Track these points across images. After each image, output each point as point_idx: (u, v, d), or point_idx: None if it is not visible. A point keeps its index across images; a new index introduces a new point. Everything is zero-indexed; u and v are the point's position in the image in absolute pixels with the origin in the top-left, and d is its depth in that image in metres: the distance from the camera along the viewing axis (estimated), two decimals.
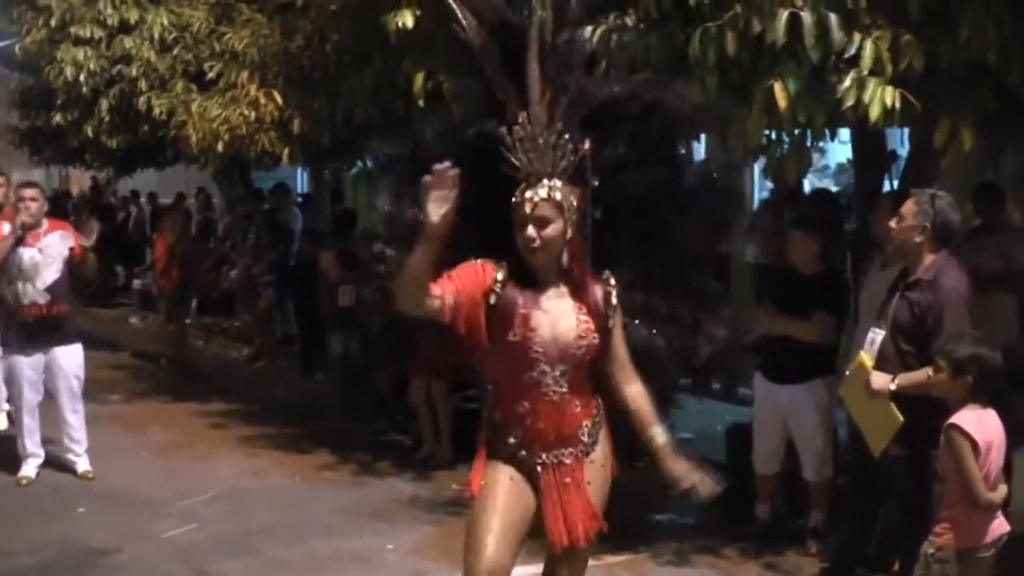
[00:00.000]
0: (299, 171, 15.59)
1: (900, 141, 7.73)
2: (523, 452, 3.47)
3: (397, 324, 8.56)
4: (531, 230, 3.33)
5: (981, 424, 3.84)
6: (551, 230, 3.34)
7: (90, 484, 7.09)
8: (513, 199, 3.39)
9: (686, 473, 3.49)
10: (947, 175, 6.48)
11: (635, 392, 3.53)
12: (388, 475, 7.40)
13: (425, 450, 7.73)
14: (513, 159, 3.38)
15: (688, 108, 4.01)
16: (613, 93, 3.80)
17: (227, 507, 6.65)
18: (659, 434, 3.51)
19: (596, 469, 3.54)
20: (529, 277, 3.41)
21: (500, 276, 3.38)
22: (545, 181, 3.35)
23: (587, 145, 3.41)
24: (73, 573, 5.64)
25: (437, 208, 3.06)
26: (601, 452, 3.56)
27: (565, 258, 3.41)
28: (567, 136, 3.39)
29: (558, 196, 3.34)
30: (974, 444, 3.78)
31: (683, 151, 4.31)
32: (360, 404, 8.86)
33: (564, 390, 3.43)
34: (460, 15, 3.65)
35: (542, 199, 3.33)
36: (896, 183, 6.65)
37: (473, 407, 7.86)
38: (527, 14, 3.62)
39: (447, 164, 3.07)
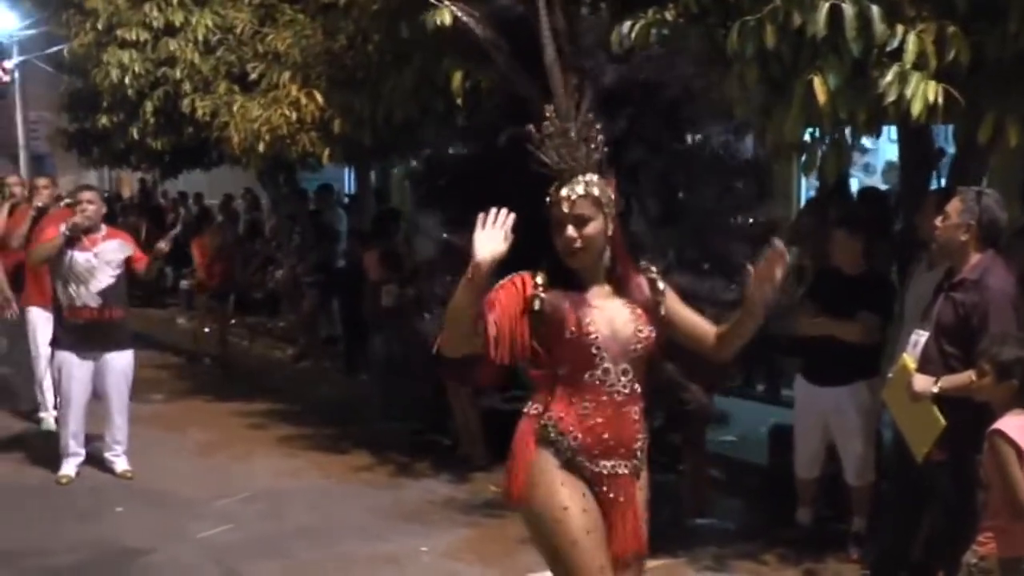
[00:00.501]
0: (345, 172, 15.63)
1: (946, 138, 7.58)
2: (580, 458, 3.25)
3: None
4: (571, 230, 3.17)
5: None
6: (591, 228, 3.18)
7: (129, 484, 7.12)
8: (547, 199, 3.24)
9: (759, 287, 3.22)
10: (995, 173, 6.32)
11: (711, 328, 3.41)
12: (425, 476, 7.36)
13: (462, 450, 7.68)
14: (544, 157, 3.21)
15: (704, 83, 3.85)
16: (633, 72, 3.64)
17: (263, 508, 6.64)
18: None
19: (642, 491, 3.38)
20: (572, 280, 3.26)
21: (540, 280, 3.23)
22: (580, 176, 3.19)
23: (615, 131, 3.30)
24: (107, 573, 5.65)
25: (486, 248, 2.95)
26: (646, 476, 3.42)
27: (607, 256, 3.27)
28: (597, 126, 3.23)
29: (596, 191, 3.19)
30: (1019, 451, 3.64)
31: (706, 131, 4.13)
32: (400, 405, 8.83)
33: (627, 391, 3.27)
34: (461, 12, 3.57)
35: (580, 196, 3.17)
36: (944, 181, 6.51)
37: (512, 408, 7.82)
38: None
39: (504, 212, 2.98)
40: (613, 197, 3.25)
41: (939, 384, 4.40)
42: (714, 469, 6.78)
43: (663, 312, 3.33)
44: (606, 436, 3.26)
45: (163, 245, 7.17)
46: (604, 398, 3.25)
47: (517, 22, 3.58)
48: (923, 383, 4.45)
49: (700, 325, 3.42)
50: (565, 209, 3.17)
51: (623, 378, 3.26)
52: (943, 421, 4.40)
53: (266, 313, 14.22)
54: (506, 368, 3.35)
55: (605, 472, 3.26)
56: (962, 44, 4.61)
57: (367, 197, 12.01)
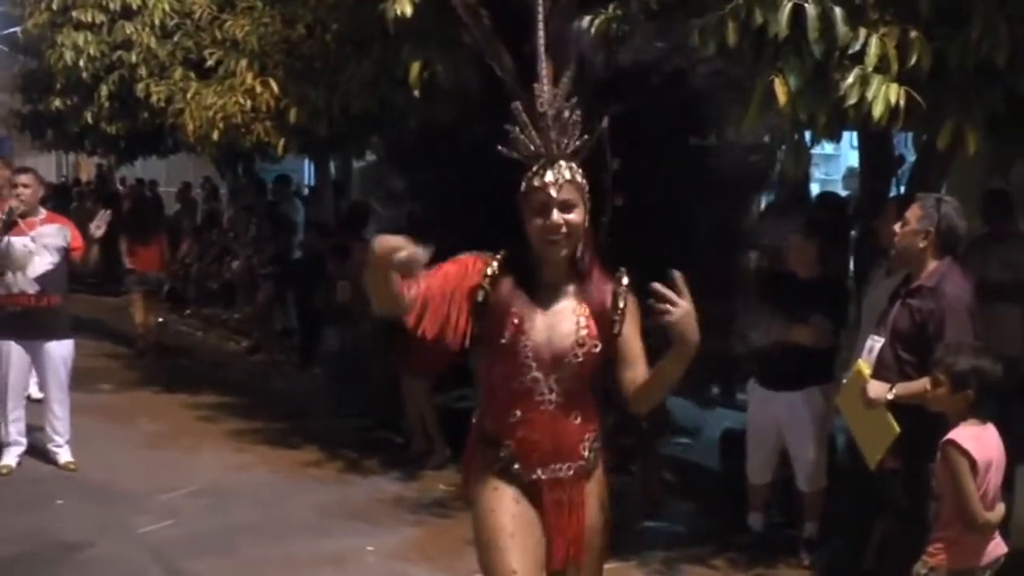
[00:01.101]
0: (305, 163, 15.44)
1: (906, 145, 7.57)
2: (516, 466, 3.11)
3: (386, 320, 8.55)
4: (556, 215, 2.95)
5: (980, 441, 3.65)
6: (576, 215, 2.98)
7: (71, 476, 6.95)
8: (525, 185, 3.00)
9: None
10: (954, 181, 6.31)
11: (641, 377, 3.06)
12: (374, 474, 7.24)
13: (414, 448, 7.58)
14: (526, 139, 2.98)
15: (715, 80, 3.53)
16: (627, 63, 3.41)
17: (207, 503, 6.50)
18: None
19: (595, 492, 3.20)
20: (531, 272, 3.07)
21: (491, 271, 3.04)
22: (563, 162, 2.98)
23: (605, 122, 3.07)
24: (43, 567, 5.49)
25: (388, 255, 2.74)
26: (600, 474, 3.23)
27: (579, 249, 3.06)
28: (578, 113, 2.99)
29: (579, 178, 3.00)
30: (972, 462, 3.60)
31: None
32: (352, 400, 8.71)
33: (560, 400, 3.07)
34: None
35: (567, 181, 2.96)
36: (903, 188, 6.49)
37: (466, 406, 7.74)
38: None
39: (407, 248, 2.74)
40: (587, 189, 3.05)
41: (893, 391, 4.38)
42: (666, 472, 6.71)
43: (616, 331, 3.06)
44: (541, 444, 3.11)
45: (95, 229, 6.77)
46: (536, 407, 3.07)
47: None
48: (878, 390, 4.42)
49: (633, 367, 3.06)
50: (553, 193, 2.95)
51: (556, 388, 3.06)
52: (897, 428, 4.37)
53: (222, 304, 13.99)
54: (454, 355, 3.26)
55: (545, 478, 3.12)
56: (924, 49, 4.58)
57: (326, 189, 11.85)
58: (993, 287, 5.81)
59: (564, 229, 2.97)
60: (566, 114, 2.99)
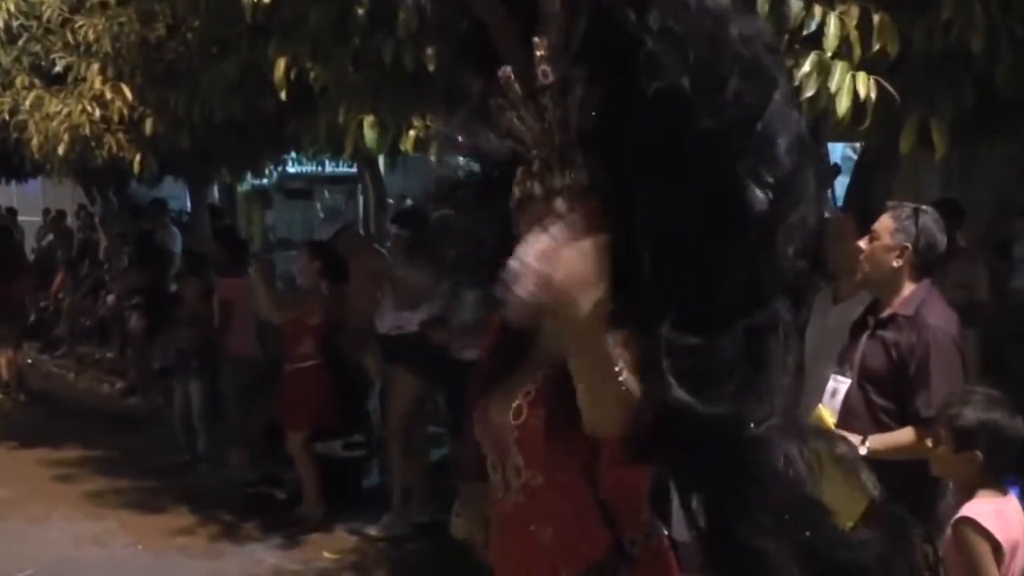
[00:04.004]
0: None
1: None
2: None
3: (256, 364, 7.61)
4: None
5: (1003, 518, 2.86)
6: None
7: None
8: (517, 192, 2.01)
9: None
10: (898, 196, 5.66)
11: None
12: (252, 540, 6.30)
13: (303, 508, 6.63)
14: (518, 122, 1.93)
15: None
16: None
17: None
18: None
19: None
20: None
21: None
22: (555, 164, 1.94)
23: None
24: None
25: None
26: None
27: None
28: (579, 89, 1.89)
29: (586, 183, 1.93)
30: (995, 545, 2.79)
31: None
32: (229, 451, 7.75)
33: (520, 499, 2.10)
34: None
35: (568, 188, 1.93)
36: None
37: (356, 455, 6.86)
38: None
39: None
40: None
41: (868, 444, 3.58)
42: None
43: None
44: (508, 566, 2.17)
45: None
46: (502, 510, 2.18)
47: None
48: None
49: None
50: (538, 215, 1.92)
51: (515, 481, 2.11)
52: (873, 491, 3.58)
53: (96, 342, 12.92)
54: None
55: None
56: (891, 32, 3.84)
57: (201, 214, 10.82)
58: None
59: None
60: (562, 92, 1.90)
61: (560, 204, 1.90)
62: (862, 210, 4.63)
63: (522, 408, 2.04)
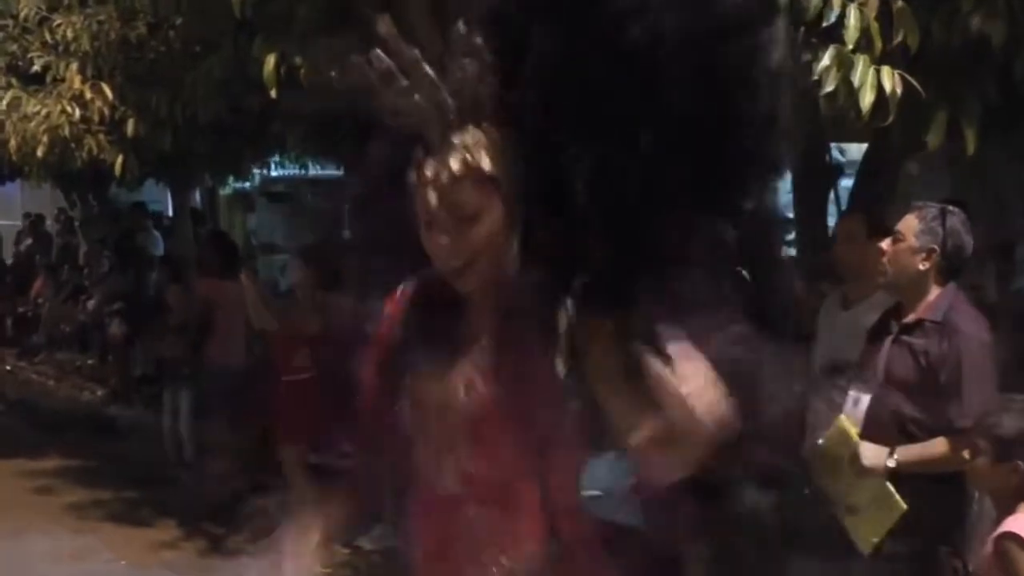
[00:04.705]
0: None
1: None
2: None
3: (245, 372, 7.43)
4: (442, 236, 1.70)
5: None
6: (481, 229, 1.69)
7: None
8: (410, 176, 1.72)
9: None
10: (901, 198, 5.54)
11: None
12: (240, 553, 6.07)
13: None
14: (395, 99, 1.65)
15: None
16: None
17: None
18: None
19: None
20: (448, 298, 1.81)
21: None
22: (454, 136, 1.65)
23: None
24: None
25: None
26: None
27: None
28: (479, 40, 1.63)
29: (485, 162, 1.66)
30: None
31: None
32: (219, 459, 7.56)
33: (457, 483, 1.82)
34: None
35: (456, 175, 1.65)
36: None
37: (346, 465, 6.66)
38: None
39: None
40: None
41: (896, 456, 3.43)
42: None
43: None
44: (441, 553, 1.92)
45: None
46: (434, 495, 1.94)
47: None
48: (875, 455, 3.49)
49: None
50: (432, 200, 1.68)
51: (452, 463, 1.86)
52: (903, 505, 3.43)
53: (76, 348, 12.74)
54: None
55: None
56: (911, 24, 3.69)
57: (183, 218, 10.64)
58: None
59: (457, 259, 1.74)
60: (461, 48, 1.64)
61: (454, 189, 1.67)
62: (870, 212, 4.53)
63: (473, 382, 1.80)
